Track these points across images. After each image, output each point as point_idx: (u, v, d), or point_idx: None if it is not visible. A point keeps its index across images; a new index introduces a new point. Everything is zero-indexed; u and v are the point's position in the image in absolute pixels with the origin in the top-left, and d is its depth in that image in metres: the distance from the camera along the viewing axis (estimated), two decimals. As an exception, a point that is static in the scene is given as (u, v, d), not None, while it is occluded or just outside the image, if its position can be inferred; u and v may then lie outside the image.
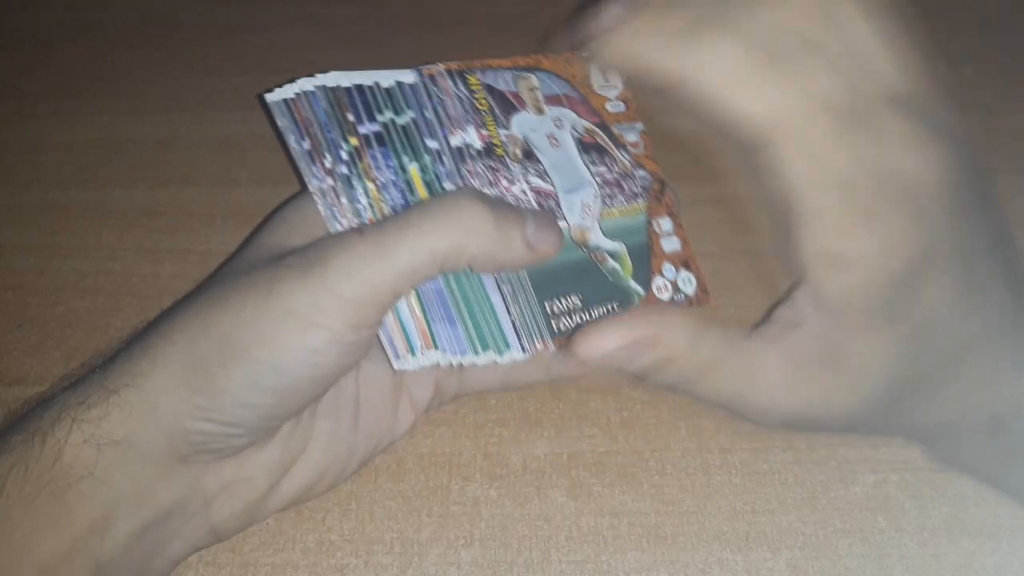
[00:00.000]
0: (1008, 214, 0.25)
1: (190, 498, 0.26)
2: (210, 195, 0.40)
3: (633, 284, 0.29)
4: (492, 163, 0.28)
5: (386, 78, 0.27)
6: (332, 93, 0.27)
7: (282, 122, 0.26)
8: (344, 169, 0.26)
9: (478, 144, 0.28)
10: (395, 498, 0.30)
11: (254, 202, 0.40)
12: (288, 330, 0.23)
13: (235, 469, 0.26)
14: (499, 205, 0.25)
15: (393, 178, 0.27)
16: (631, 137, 0.31)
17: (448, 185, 0.27)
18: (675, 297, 0.29)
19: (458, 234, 0.24)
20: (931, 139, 0.23)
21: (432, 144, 0.27)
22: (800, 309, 0.25)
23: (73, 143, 0.43)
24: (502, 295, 0.27)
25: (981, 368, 0.25)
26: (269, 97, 0.26)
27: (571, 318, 0.28)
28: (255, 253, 0.26)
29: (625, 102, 0.31)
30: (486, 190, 0.27)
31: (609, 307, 0.28)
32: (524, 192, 0.28)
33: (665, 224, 0.30)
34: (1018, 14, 0.47)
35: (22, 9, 0.51)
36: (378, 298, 0.24)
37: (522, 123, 0.29)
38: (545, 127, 0.29)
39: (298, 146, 0.26)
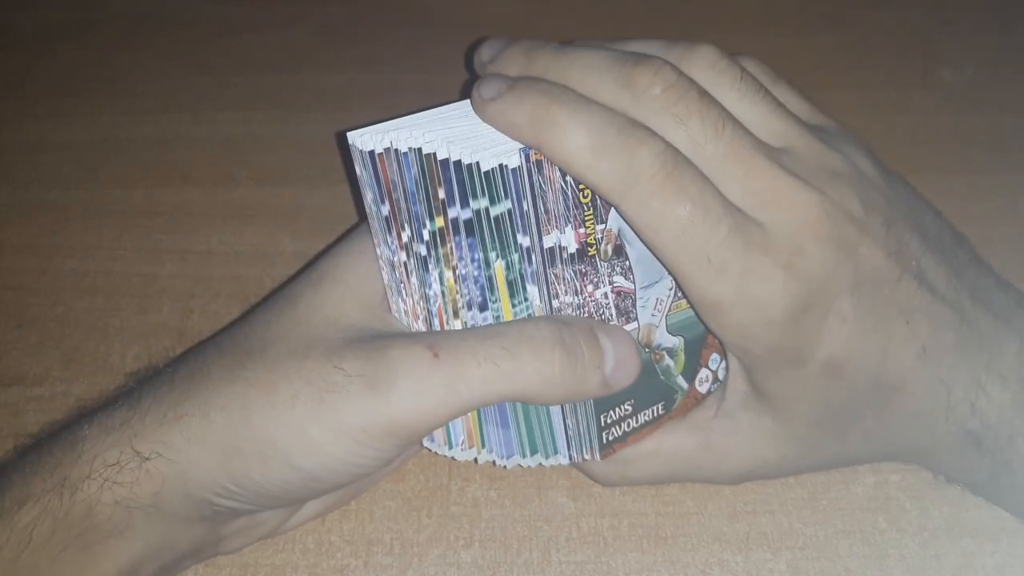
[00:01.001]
0: (1008, 213, 0.25)
1: (206, 542, 0.26)
2: (210, 195, 0.40)
3: (680, 380, 0.27)
4: (582, 267, 0.25)
5: (489, 159, 0.23)
6: (427, 161, 0.23)
7: (364, 175, 0.24)
8: (423, 250, 0.24)
9: (573, 247, 0.24)
10: (395, 499, 0.30)
11: (254, 202, 0.40)
12: (338, 446, 0.23)
13: (250, 517, 0.27)
14: (578, 346, 0.24)
15: (476, 272, 0.24)
16: None
17: (531, 289, 0.25)
18: (711, 388, 0.28)
19: (533, 382, 0.23)
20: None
21: (523, 241, 0.24)
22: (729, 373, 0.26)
23: (73, 143, 0.43)
24: (562, 405, 0.26)
25: (932, 392, 0.25)
26: (356, 142, 0.23)
27: (620, 427, 0.26)
28: (308, 319, 0.25)
29: None
30: (568, 298, 0.25)
31: (655, 410, 0.27)
32: (606, 296, 0.25)
33: None
34: (1018, 14, 0.47)
35: (22, 9, 0.51)
36: (436, 424, 0.23)
37: (619, 215, 0.26)
38: None
39: (376, 208, 0.24)
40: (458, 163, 0.23)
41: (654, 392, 0.27)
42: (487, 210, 0.23)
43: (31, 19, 0.50)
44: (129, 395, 0.25)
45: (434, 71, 0.45)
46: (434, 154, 0.23)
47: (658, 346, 0.27)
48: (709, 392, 0.28)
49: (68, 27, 0.49)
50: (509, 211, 0.24)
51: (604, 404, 0.26)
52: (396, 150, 0.23)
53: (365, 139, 0.23)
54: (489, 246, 0.24)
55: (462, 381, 0.23)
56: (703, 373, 0.28)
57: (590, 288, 0.25)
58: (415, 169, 0.23)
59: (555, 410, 0.26)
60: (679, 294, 0.26)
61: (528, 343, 0.23)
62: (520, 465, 0.27)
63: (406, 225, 0.24)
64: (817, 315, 0.23)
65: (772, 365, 0.24)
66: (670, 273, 0.24)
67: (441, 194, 0.23)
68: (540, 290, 0.25)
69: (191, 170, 0.41)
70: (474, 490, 0.30)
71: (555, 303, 0.25)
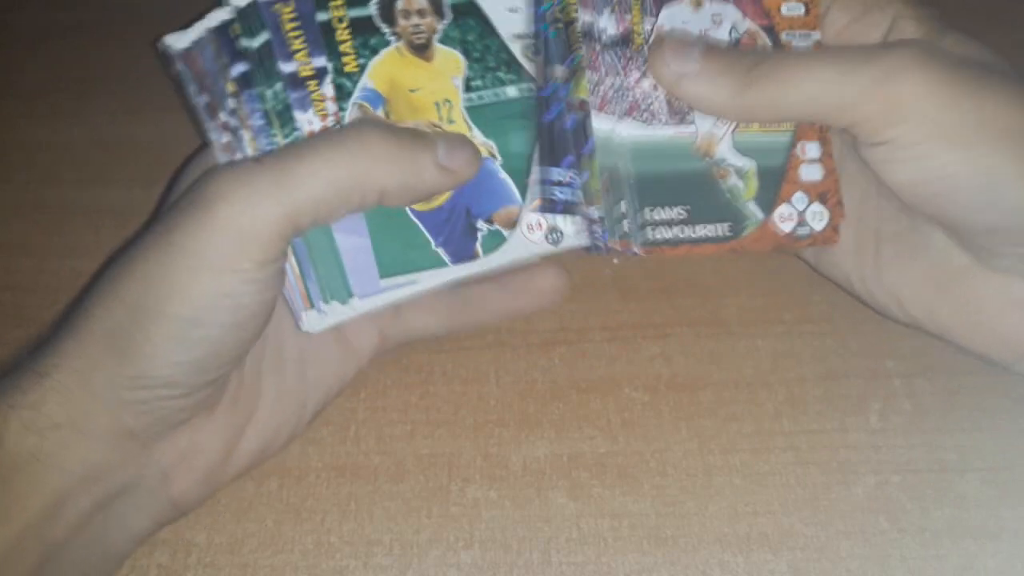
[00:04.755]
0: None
1: (144, 473, 0.25)
2: (209, 195, 0.40)
3: (751, 207, 0.27)
4: (625, 52, 0.26)
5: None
6: (214, 35, 0.25)
7: (183, 73, 0.25)
8: (233, 121, 0.25)
9: (612, 30, 0.26)
10: (394, 499, 0.29)
11: (253, 202, 0.40)
12: (195, 279, 0.23)
13: (188, 438, 0.26)
14: (403, 131, 0.24)
15: (260, 121, 0.25)
16: (802, 46, 0.28)
17: (300, 115, 0.25)
18: (798, 230, 0.27)
19: (363, 163, 0.23)
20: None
21: (286, 68, 0.25)
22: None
23: (71, 143, 0.42)
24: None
25: None
26: (170, 44, 0.25)
27: (670, 229, 0.26)
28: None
29: (807, 4, 0.28)
30: (608, 79, 0.26)
31: (718, 228, 0.26)
32: (656, 87, 0.26)
33: (811, 149, 0.27)
34: (1018, 14, 0.47)
35: (20, 9, 0.51)
36: (279, 231, 0.23)
37: (673, 15, 0.27)
38: (700, 23, 0.27)
39: (198, 101, 0.25)
40: (223, 25, 0.25)
41: (716, 208, 0.27)
42: (249, 50, 0.25)
43: (29, 19, 0.50)
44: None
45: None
46: (221, 23, 0.25)
47: (721, 160, 0.27)
48: (795, 235, 0.27)
49: (67, 27, 0.49)
50: (267, 41, 0.25)
51: (648, 197, 0.26)
52: (200, 39, 0.25)
53: (177, 38, 0.25)
54: (261, 84, 0.25)
55: (289, 177, 0.23)
56: (784, 209, 0.27)
57: (636, 75, 0.26)
58: (211, 48, 0.25)
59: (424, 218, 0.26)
60: None
61: (353, 134, 0.24)
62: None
63: (219, 106, 0.25)
64: None
65: None
66: None
67: (224, 58, 0.25)
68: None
69: (190, 170, 0.41)
70: (474, 491, 0.30)
71: (592, 76, 0.25)
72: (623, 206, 0.26)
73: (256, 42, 0.25)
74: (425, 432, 0.31)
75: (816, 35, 0.28)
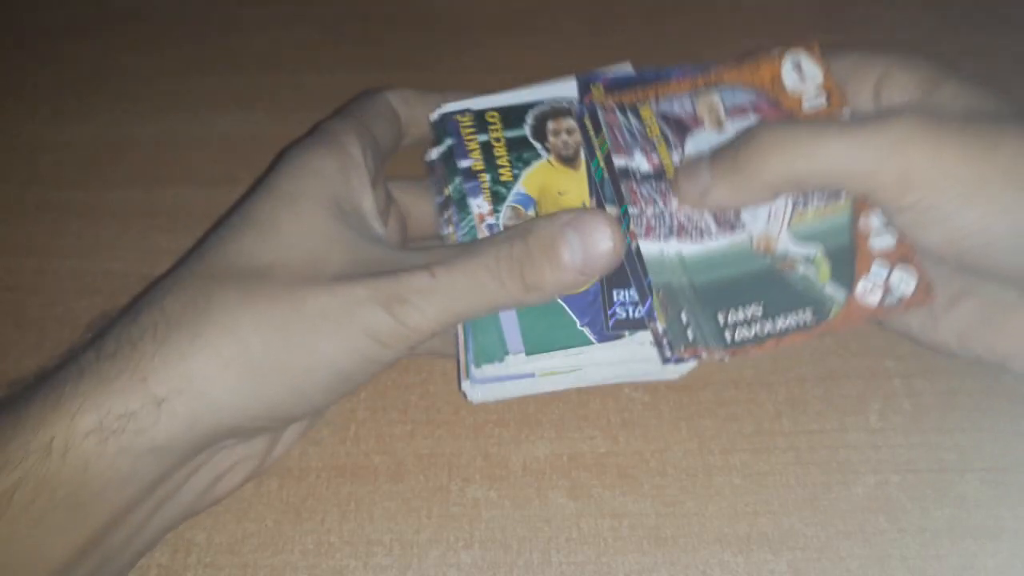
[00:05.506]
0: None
1: (200, 478, 0.27)
2: (210, 195, 0.40)
3: (830, 288, 0.27)
4: (662, 185, 0.28)
5: (443, 111, 0.32)
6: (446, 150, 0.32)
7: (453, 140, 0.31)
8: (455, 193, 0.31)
9: (645, 168, 0.29)
10: (394, 499, 0.29)
11: (254, 202, 0.40)
12: (369, 347, 0.25)
13: (246, 446, 0.28)
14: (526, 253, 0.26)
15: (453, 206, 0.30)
16: None
17: (472, 201, 0.30)
18: (886, 299, 0.27)
19: (498, 295, 0.26)
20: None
21: (463, 164, 0.30)
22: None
23: (73, 143, 0.43)
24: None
25: None
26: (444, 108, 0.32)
27: (750, 328, 0.27)
28: (298, 241, 0.26)
29: (828, 92, 0.29)
30: (649, 209, 0.28)
31: (799, 315, 0.27)
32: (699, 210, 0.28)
33: (875, 220, 0.28)
34: (1018, 14, 0.47)
35: (22, 9, 0.51)
36: (440, 329, 0.25)
37: (698, 141, 0.29)
38: (727, 140, 0.28)
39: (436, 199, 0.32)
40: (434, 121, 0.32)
41: (792, 298, 0.27)
42: (438, 152, 0.31)
43: (31, 19, 0.50)
44: (101, 344, 0.24)
45: (436, 70, 0.45)
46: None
47: (784, 254, 0.27)
48: (885, 304, 0.27)
49: (68, 27, 0.49)
50: (451, 146, 0.31)
51: (717, 303, 0.27)
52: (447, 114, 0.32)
53: (448, 106, 0.32)
54: (447, 179, 0.31)
55: (456, 298, 0.25)
56: (866, 283, 0.27)
57: (675, 202, 0.28)
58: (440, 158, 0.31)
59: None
60: (802, 205, 0.28)
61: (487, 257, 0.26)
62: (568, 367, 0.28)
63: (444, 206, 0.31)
64: None
65: None
66: None
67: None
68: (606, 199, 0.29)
69: (191, 170, 0.41)
70: (474, 491, 0.30)
71: (633, 210, 0.28)
72: (684, 317, 0.27)
73: (441, 149, 0.31)
74: (425, 432, 0.31)
75: (847, 112, 0.29)
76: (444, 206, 0.31)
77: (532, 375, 0.28)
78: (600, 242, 0.25)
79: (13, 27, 0.50)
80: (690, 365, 0.27)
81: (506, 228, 0.29)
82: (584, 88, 0.31)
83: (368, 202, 0.28)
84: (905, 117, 0.24)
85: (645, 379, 0.30)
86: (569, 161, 0.31)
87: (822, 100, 0.29)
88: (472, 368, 0.27)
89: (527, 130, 0.31)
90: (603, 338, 0.28)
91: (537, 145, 0.31)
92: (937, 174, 0.24)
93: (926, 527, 0.28)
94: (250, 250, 0.26)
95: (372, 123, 0.30)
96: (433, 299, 0.25)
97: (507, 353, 0.27)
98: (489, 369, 0.27)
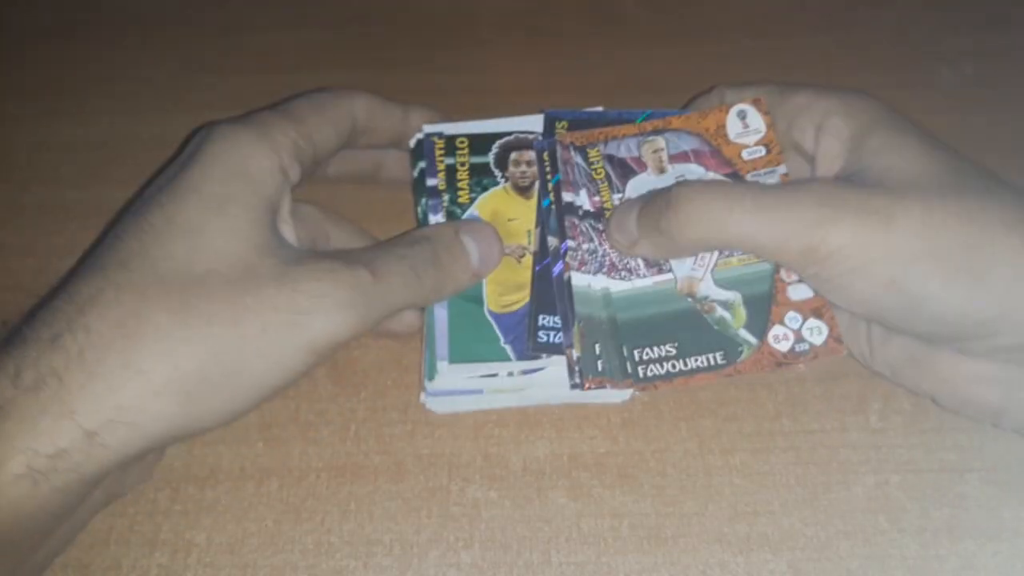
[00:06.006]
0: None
1: (122, 481, 0.28)
2: (209, 195, 0.40)
3: (743, 334, 0.29)
4: (599, 225, 0.31)
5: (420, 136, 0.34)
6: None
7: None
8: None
9: (587, 206, 0.31)
10: (394, 499, 0.29)
11: (253, 202, 0.40)
12: (303, 362, 0.25)
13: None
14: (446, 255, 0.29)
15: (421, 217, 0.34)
16: (770, 181, 0.30)
17: (432, 218, 0.32)
18: (796, 347, 0.29)
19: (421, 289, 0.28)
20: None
21: (430, 182, 0.33)
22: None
23: (71, 143, 0.43)
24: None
25: None
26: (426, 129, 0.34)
27: (662, 366, 0.28)
28: (225, 246, 0.25)
29: (767, 146, 0.31)
30: (585, 245, 0.30)
31: (711, 358, 0.28)
32: None
33: (795, 273, 0.29)
34: (1019, 14, 0.47)
35: (20, 8, 0.51)
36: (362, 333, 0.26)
37: (639, 185, 0.31)
38: (665, 185, 0.29)
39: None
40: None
41: (705, 341, 0.29)
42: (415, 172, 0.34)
43: (29, 19, 0.50)
44: (19, 371, 0.23)
45: (437, 70, 0.45)
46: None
47: (705, 297, 0.29)
48: (794, 352, 0.29)
49: (66, 27, 0.49)
50: (422, 168, 0.33)
51: (635, 340, 0.29)
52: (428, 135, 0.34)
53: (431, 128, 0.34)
54: (418, 197, 0.33)
55: (389, 295, 0.27)
56: (778, 330, 0.29)
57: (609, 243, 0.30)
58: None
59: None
60: (729, 253, 0.30)
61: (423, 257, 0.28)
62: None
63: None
64: None
65: None
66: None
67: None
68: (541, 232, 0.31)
69: (190, 170, 0.41)
70: (474, 491, 0.30)
71: (571, 243, 0.30)
72: (597, 349, 0.29)
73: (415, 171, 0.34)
74: (425, 432, 0.31)
75: (782, 169, 0.31)
76: (419, 222, 0.33)
77: (480, 391, 0.30)
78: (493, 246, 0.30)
79: (13, 27, 0.50)
80: (630, 392, 0.30)
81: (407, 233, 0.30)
82: (550, 124, 0.33)
83: (286, 207, 0.28)
84: (814, 192, 0.26)
85: (586, 402, 0.31)
86: (524, 191, 0.33)
87: (762, 152, 0.31)
88: (426, 381, 0.29)
89: (491, 158, 0.34)
90: (522, 357, 0.29)
91: (497, 173, 0.33)
92: (833, 249, 0.25)
93: (926, 527, 0.28)
94: (179, 258, 0.25)
95: (313, 124, 0.29)
96: (374, 300, 0.26)
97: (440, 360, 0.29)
98: (439, 381, 0.29)
